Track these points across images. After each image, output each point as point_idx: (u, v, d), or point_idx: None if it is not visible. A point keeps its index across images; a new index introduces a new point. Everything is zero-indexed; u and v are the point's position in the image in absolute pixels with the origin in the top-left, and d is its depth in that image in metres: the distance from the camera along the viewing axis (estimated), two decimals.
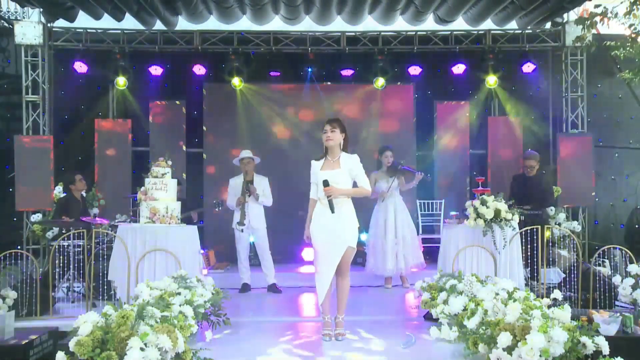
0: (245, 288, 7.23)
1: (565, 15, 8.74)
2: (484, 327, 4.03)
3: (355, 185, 4.85)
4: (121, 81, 8.84)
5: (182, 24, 8.66)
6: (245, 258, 7.30)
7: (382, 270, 7.28)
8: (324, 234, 4.70)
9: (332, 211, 4.67)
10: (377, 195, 7.33)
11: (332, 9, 7.93)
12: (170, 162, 6.34)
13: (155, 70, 9.20)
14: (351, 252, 4.77)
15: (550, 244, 7.66)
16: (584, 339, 3.57)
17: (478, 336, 4.01)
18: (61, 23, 8.68)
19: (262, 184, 7.30)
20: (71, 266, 6.37)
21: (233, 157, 7.95)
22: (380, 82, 9.06)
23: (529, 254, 6.17)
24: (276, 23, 8.65)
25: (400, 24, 8.60)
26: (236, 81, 9.01)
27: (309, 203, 4.91)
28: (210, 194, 9.47)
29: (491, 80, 8.99)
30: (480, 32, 9.04)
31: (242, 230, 7.18)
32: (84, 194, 8.07)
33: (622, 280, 5.38)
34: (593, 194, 8.85)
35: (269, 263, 7.28)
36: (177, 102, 9.61)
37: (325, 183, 4.66)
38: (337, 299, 4.83)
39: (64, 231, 6.63)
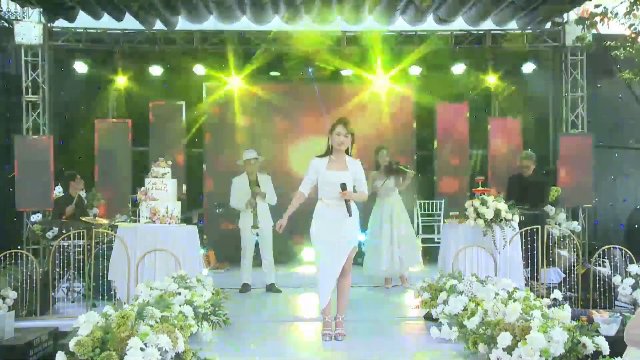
0: (245, 288, 7.22)
1: (565, 15, 8.75)
2: (484, 327, 4.03)
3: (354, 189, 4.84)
4: (120, 81, 8.85)
5: (182, 24, 8.66)
6: (250, 258, 7.26)
7: (377, 271, 7.27)
8: (329, 234, 4.65)
9: (350, 214, 4.65)
10: (374, 190, 7.32)
11: (332, 9, 7.93)
12: (170, 162, 6.34)
13: (155, 70, 9.20)
14: (354, 251, 4.76)
15: (550, 244, 7.66)
16: (584, 339, 3.57)
17: (478, 336, 4.01)
18: (61, 23, 8.68)
19: (266, 183, 7.27)
20: (71, 266, 6.37)
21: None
22: (380, 81, 9.06)
23: (528, 254, 6.17)
24: (276, 23, 8.66)
25: (400, 24, 8.60)
26: (236, 81, 9.01)
27: (295, 195, 4.80)
28: (210, 194, 9.48)
29: (491, 80, 8.99)
30: (480, 32, 9.04)
31: (257, 234, 7.13)
32: (84, 194, 8.06)
33: (622, 280, 5.38)
34: (593, 194, 8.85)
35: (270, 262, 7.27)
36: (177, 102, 9.60)
37: (343, 186, 4.62)
38: (337, 299, 4.81)
39: (64, 231, 6.63)
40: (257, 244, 7.39)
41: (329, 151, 4.80)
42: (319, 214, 4.74)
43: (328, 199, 4.69)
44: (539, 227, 6.01)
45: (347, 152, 4.82)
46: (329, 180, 4.67)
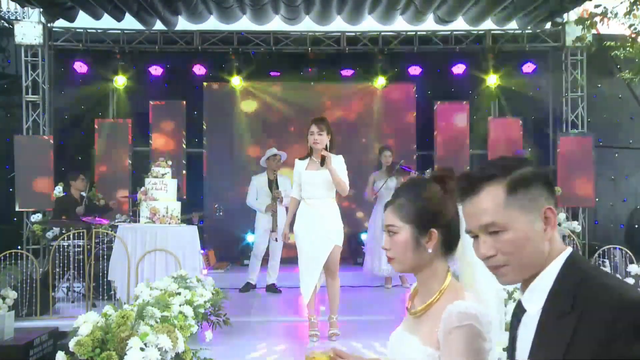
0: (247, 287, 7.21)
1: (565, 15, 8.75)
2: None
3: None
4: (120, 81, 8.84)
5: (182, 24, 8.66)
6: (261, 259, 7.24)
7: (377, 270, 7.27)
8: (309, 233, 4.70)
9: (322, 164, 4.69)
10: (373, 195, 7.32)
11: (332, 9, 7.93)
12: (170, 162, 6.34)
13: (155, 70, 9.20)
14: (338, 250, 4.76)
15: None
16: None
17: None
18: (61, 23, 8.68)
19: (285, 184, 7.24)
20: (71, 266, 6.37)
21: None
22: (380, 81, 9.05)
23: None
24: (276, 23, 8.66)
25: (400, 24, 8.61)
26: (236, 81, 9.01)
27: (290, 201, 4.97)
28: (211, 194, 9.47)
29: (491, 80, 8.99)
30: (480, 32, 9.04)
31: (276, 240, 7.07)
32: (84, 194, 8.07)
33: None
34: (593, 194, 8.85)
35: (277, 263, 7.27)
36: (177, 102, 9.60)
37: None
38: (329, 300, 4.84)
39: (64, 231, 6.63)
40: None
41: (309, 152, 4.86)
42: (301, 214, 4.83)
43: (308, 198, 4.75)
44: None
45: (328, 150, 4.83)
46: (307, 180, 4.74)
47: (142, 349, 3.30)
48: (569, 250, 1.34)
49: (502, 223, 1.32)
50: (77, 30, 8.84)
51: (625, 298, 1.15)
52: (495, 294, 1.73)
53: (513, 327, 1.42)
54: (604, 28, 7.70)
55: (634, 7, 6.97)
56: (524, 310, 1.37)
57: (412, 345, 1.66)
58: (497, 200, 1.34)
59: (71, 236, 6.18)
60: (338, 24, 8.70)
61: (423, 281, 1.73)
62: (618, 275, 5.57)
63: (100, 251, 6.46)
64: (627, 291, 1.17)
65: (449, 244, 1.71)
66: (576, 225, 8.52)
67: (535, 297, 1.33)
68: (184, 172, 9.40)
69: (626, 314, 1.11)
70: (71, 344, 3.44)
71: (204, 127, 9.69)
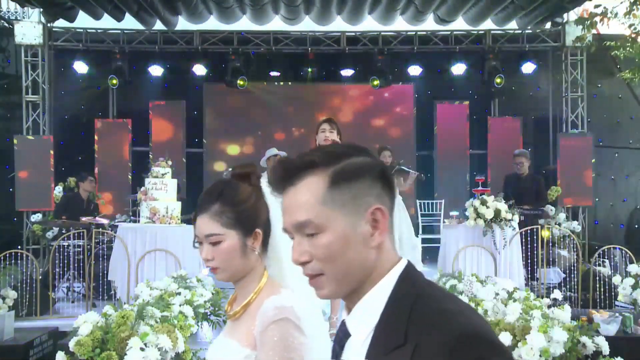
0: None
1: (565, 15, 8.75)
2: None
3: None
4: (120, 81, 8.84)
5: (182, 24, 8.66)
6: None
7: None
8: None
9: None
10: None
11: (332, 9, 7.93)
12: (170, 162, 6.35)
13: (155, 70, 9.19)
14: None
15: (550, 243, 7.65)
16: (584, 339, 3.57)
17: None
18: (61, 23, 8.68)
19: None
20: (71, 266, 6.37)
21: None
22: (380, 81, 9.05)
23: (529, 254, 6.18)
24: (276, 23, 8.66)
25: (400, 24, 8.61)
26: (236, 81, 9.00)
27: None
28: None
29: (491, 80, 8.96)
30: (480, 32, 9.04)
31: None
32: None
33: (622, 280, 5.38)
34: (593, 194, 8.85)
35: None
36: (177, 102, 9.60)
37: None
38: (330, 300, 4.83)
39: (64, 231, 6.63)
40: None
41: None
42: None
43: None
44: (539, 227, 6.02)
45: None
46: None
47: (142, 349, 3.31)
48: (403, 263, 1.13)
49: (318, 222, 1.08)
50: (77, 30, 8.84)
51: (463, 327, 0.98)
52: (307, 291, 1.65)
53: (335, 354, 1.16)
54: (604, 28, 7.70)
55: (634, 7, 6.97)
56: (349, 335, 1.13)
57: (230, 349, 1.60)
58: (315, 194, 1.09)
59: (71, 236, 6.18)
60: (338, 24, 8.69)
61: (243, 285, 1.66)
62: (618, 275, 5.57)
63: (100, 251, 6.46)
64: (467, 318, 1.00)
65: (265, 242, 1.68)
66: (576, 225, 8.52)
67: (363, 321, 1.10)
68: (184, 172, 9.41)
69: (463, 346, 0.96)
70: (71, 344, 3.44)
71: (204, 127, 9.69)
